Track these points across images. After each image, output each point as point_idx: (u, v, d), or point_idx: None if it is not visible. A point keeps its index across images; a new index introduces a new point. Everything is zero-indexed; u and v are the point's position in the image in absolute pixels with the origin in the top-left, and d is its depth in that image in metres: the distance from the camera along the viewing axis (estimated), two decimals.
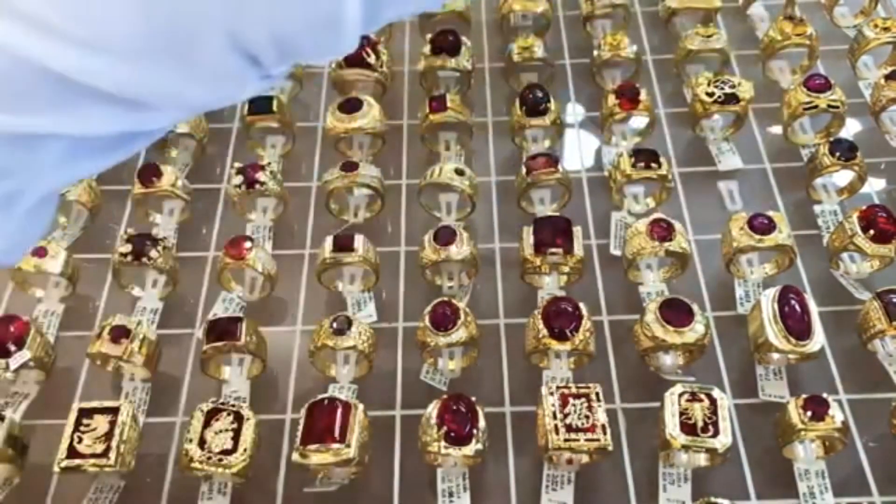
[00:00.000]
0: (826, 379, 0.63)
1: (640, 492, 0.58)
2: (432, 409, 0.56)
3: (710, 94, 0.75)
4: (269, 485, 0.59)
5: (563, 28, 0.92)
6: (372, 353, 0.62)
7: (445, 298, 0.62)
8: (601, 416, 0.55)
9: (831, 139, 0.72)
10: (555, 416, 0.55)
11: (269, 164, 0.72)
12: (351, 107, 0.75)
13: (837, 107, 0.74)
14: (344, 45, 0.30)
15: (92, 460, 0.55)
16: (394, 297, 0.69)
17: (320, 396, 0.57)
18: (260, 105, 0.76)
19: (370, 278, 0.69)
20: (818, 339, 0.59)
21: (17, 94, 0.28)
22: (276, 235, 0.74)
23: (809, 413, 0.55)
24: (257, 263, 0.66)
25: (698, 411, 0.55)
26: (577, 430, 0.55)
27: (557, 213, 0.70)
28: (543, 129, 0.79)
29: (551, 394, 0.56)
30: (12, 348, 0.60)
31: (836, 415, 0.55)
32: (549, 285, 0.68)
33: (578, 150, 0.81)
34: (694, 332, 0.59)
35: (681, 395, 0.56)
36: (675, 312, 0.60)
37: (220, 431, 0.56)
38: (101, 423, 0.56)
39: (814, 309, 0.60)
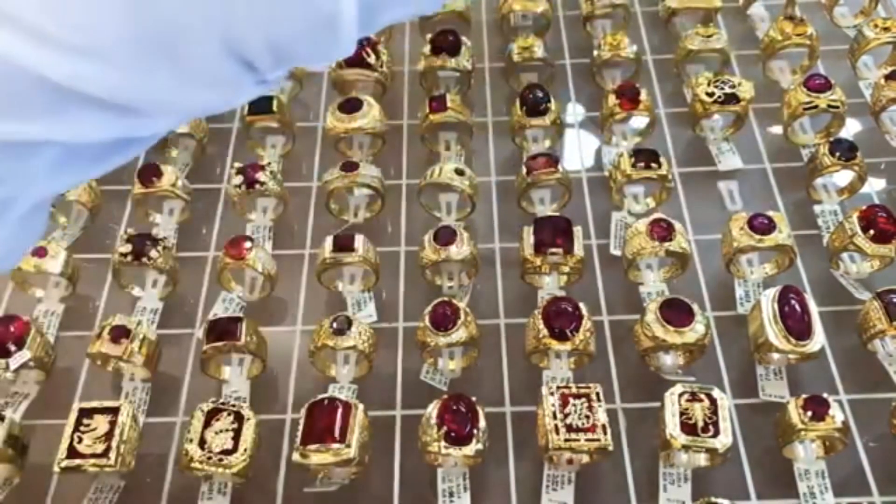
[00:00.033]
0: (826, 379, 0.63)
1: (640, 492, 0.58)
2: (432, 409, 0.56)
3: (710, 94, 0.75)
4: (269, 485, 0.59)
5: (563, 28, 0.92)
6: (372, 353, 0.62)
7: (445, 298, 0.62)
8: (601, 416, 0.55)
9: (831, 139, 0.72)
10: (555, 416, 0.55)
11: (269, 164, 0.72)
12: (351, 107, 0.75)
13: (837, 107, 0.74)
14: (340, 49, 0.30)
15: (92, 460, 0.55)
16: (394, 297, 0.69)
17: (320, 396, 0.57)
18: (260, 105, 0.76)
19: (370, 278, 0.69)
20: (818, 339, 0.59)
21: (9, 101, 0.28)
22: (276, 235, 0.74)
23: (809, 413, 0.55)
24: (257, 263, 0.66)
25: (698, 411, 0.55)
26: (578, 430, 0.55)
27: (557, 213, 0.70)
28: (543, 129, 0.79)
29: (551, 394, 0.56)
30: (12, 348, 0.60)
31: (837, 415, 0.55)
32: (550, 285, 0.68)
33: (578, 150, 0.81)
34: (694, 332, 0.59)
35: (681, 395, 0.56)
36: (676, 312, 0.60)
37: (221, 431, 0.56)
38: (101, 423, 0.56)
39: (814, 309, 0.60)
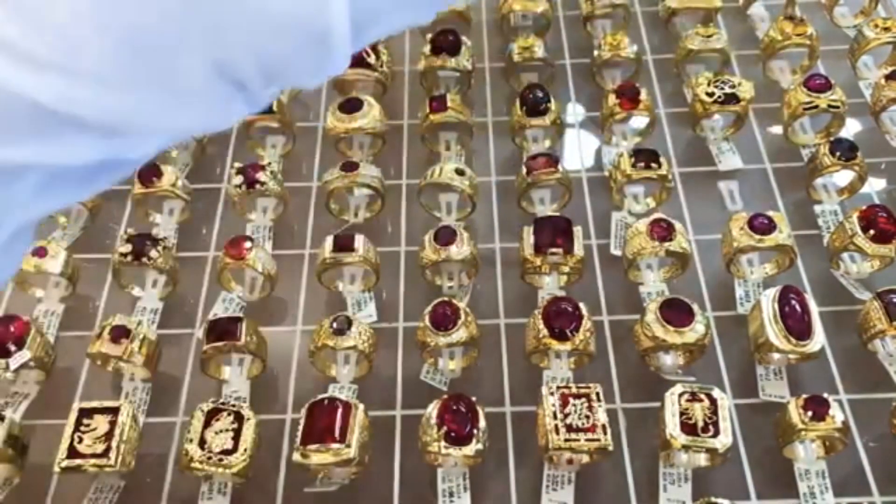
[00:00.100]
0: (826, 379, 0.63)
1: (640, 492, 0.58)
2: (432, 409, 0.56)
3: (711, 94, 0.75)
4: (269, 485, 0.59)
5: (563, 28, 0.92)
6: (372, 353, 0.62)
7: (445, 298, 0.62)
8: (601, 416, 0.55)
9: (831, 139, 0.72)
10: (555, 416, 0.55)
11: (270, 164, 0.72)
12: (351, 107, 0.75)
13: (838, 107, 0.74)
14: (333, 66, 0.29)
15: (92, 460, 0.55)
16: (394, 297, 0.69)
17: (320, 396, 0.57)
18: None
19: (370, 278, 0.69)
20: (818, 339, 0.59)
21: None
22: (276, 235, 0.74)
23: (810, 413, 0.55)
24: (257, 263, 0.66)
25: (698, 411, 0.55)
26: (578, 430, 0.55)
27: (557, 213, 0.70)
28: (543, 129, 0.79)
29: (552, 394, 0.56)
30: (12, 348, 0.60)
31: (837, 415, 0.55)
32: (550, 285, 0.68)
33: (578, 150, 0.81)
34: (694, 332, 0.59)
35: (681, 395, 0.56)
36: (676, 312, 0.60)
37: (221, 431, 0.56)
38: (101, 423, 0.56)
39: (814, 309, 0.60)
